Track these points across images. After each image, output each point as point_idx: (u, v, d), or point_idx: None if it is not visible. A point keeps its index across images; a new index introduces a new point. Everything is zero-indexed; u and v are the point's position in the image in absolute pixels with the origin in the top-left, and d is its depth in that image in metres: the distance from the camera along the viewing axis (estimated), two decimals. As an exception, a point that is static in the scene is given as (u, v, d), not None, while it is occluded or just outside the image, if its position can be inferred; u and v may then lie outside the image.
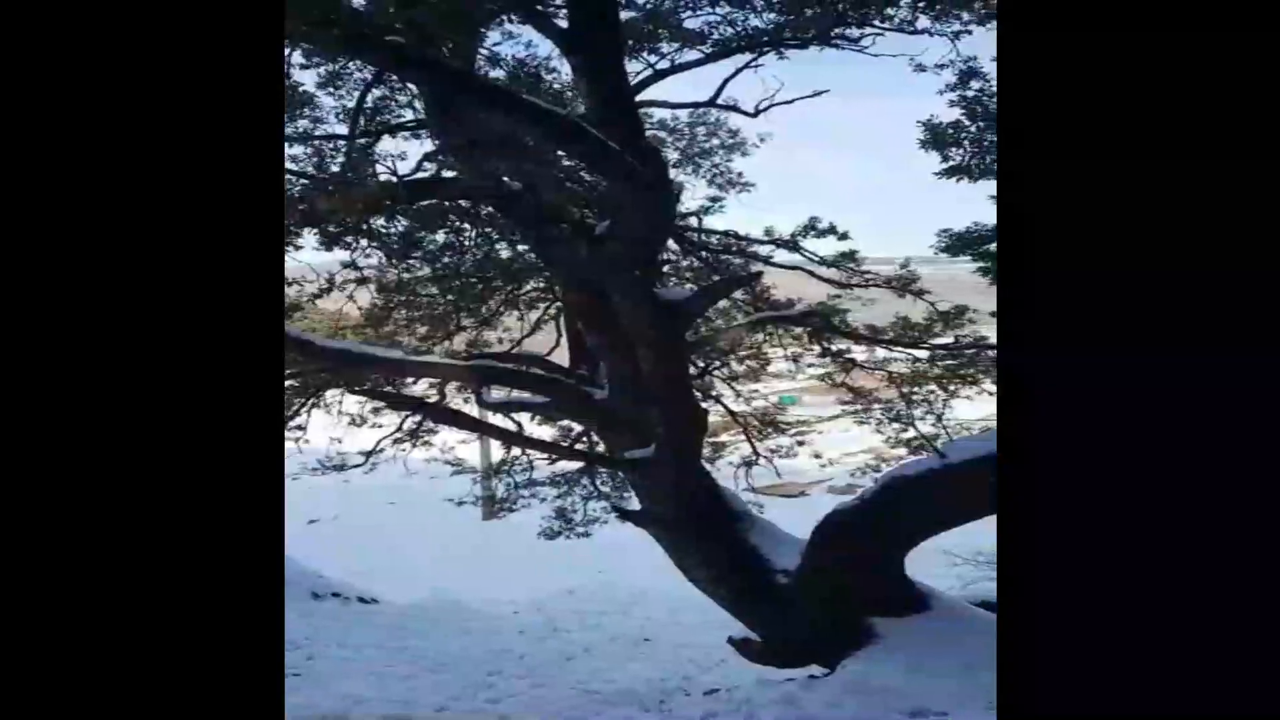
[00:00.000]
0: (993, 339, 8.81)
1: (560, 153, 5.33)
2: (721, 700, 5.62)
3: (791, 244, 8.17)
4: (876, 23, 5.87)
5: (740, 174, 8.99)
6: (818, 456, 11.44)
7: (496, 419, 7.88)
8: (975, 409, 10.18)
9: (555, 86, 6.83)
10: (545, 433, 9.75)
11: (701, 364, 9.05)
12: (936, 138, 6.19)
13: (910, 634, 5.42)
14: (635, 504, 6.94)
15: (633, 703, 6.01)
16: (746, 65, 6.41)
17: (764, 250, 8.44)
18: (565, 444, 8.83)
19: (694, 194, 8.90)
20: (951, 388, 9.03)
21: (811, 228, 8.04)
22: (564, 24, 4.75)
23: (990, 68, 5.99)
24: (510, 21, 5.92)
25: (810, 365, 9.74)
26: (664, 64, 6.36)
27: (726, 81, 6.67)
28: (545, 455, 8.85)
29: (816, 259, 8.30)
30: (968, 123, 6.10)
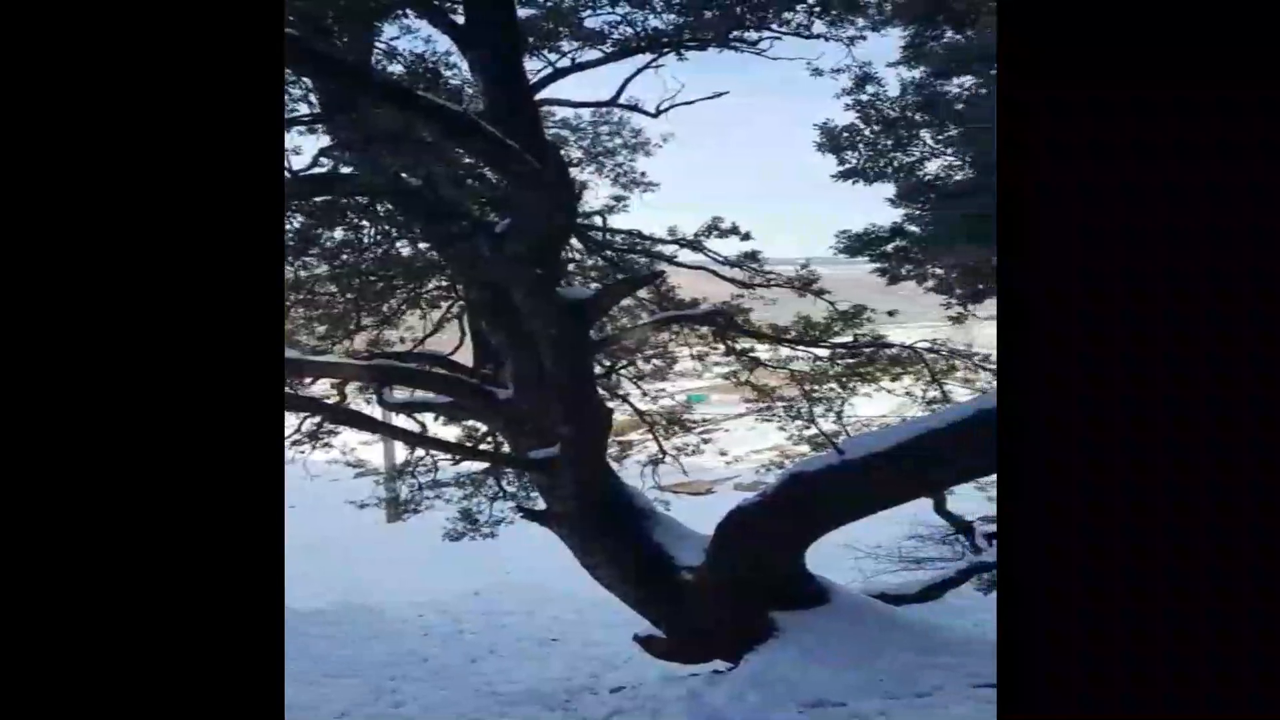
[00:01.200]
0: (890, 337, 9.06)
1: (459, 149, 5.26)
2: (627, 698, 5.64)
3: (695, 244, 8.25)
4: (774, 26, 5.96)
5: (644, 174, 9.06)
6: (723, 454, 11.60)
7: (399, 420, 7.74)
8: (874, 406, 10.44)
9: (454, 82, 6.75)
10: (450, 433, 9.63)
11: (607, 363, 9.06)
12: (832, 141, 6.31)
13: (810, 627, 5.51)
14: (541, 504, 6.91)
15: (538, 703, 5.98)
16: (647, 65, 6.43)
17: (668, 250, 8.50)
18: (470, 444, 8.73)
19: (598, 193, 8.93)
20: (851, 385, 9.24)
21: (714, 228, 8.13)
22: (461, 19, 4.69)
23: (884, 73, 6.16)
24: (408, 16, 5.82)
25: (716, 364, 9.85)
26: (564, 62, 6.34)
27: (628, 81, 6.70)
28: (449, 456, 8.73)
29: (720, 259, 8.39)
30: (862, 126, 6.24)
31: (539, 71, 6.20)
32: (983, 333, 10.28)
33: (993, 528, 10.15)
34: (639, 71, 6.48)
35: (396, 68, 6.38)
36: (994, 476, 10.98)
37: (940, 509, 9.33)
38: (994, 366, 9.13)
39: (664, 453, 9.90)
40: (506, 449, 7.52)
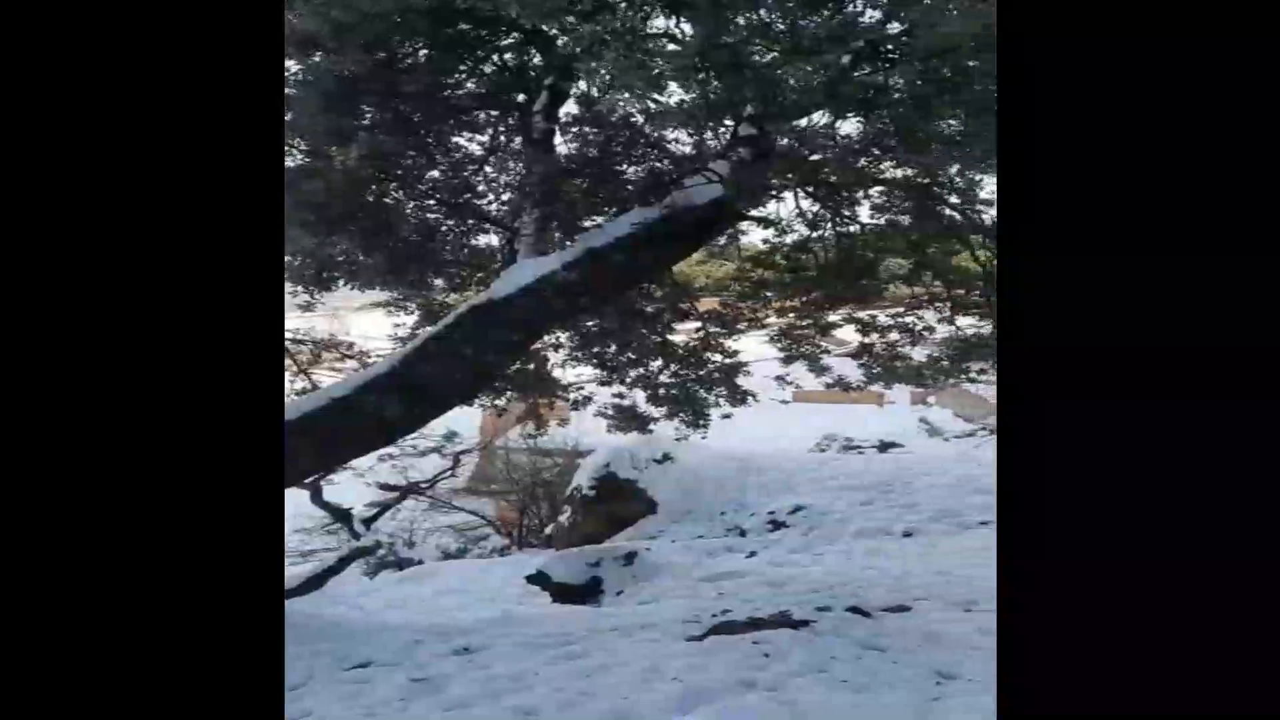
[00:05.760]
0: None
1: None
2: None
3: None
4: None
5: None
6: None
7: None
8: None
9: None
10: None
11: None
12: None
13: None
14: None
15: None
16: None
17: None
18: None
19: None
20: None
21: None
22: None
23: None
24: None
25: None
26: None
27: None
28: None
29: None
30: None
31: None
32: (358, 322, 10.45)
33: (371, 512, 10.33)
34: None
35: None
36: (370, 461, 11.21)
37: (317, 499, 9.26)
38: (358, 353, 9.32)
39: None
40: None
